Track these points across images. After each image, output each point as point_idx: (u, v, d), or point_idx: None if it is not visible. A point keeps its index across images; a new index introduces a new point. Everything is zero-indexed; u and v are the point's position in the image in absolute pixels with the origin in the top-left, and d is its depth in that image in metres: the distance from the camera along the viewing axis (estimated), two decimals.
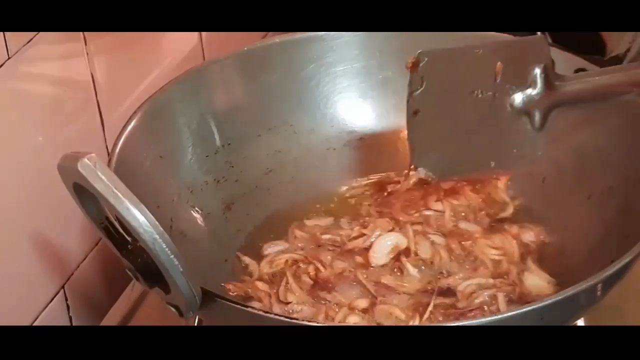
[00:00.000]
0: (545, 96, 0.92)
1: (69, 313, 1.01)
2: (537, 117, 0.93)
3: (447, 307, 0.90)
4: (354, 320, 0.89)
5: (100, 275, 1.06)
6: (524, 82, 0.92)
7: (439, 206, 1.00)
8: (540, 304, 0.75)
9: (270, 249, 0.98)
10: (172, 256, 0.72)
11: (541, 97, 0.92)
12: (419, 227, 0.98)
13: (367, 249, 0.95)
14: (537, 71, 0.91)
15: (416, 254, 0.95)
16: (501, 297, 0.90)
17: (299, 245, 0.98)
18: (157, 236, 0.71)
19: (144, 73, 1.11)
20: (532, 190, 1.01)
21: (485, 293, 0.90)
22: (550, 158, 1.00)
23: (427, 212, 1.00)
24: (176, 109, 0.99)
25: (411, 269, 0.93)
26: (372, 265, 0.94)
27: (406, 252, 0.95)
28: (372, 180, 1.06)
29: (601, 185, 0.94)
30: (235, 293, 0.92)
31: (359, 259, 0.95)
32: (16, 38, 0.89)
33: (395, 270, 0.94)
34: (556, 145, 1.00)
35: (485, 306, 0.89)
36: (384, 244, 0.95)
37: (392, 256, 0.95)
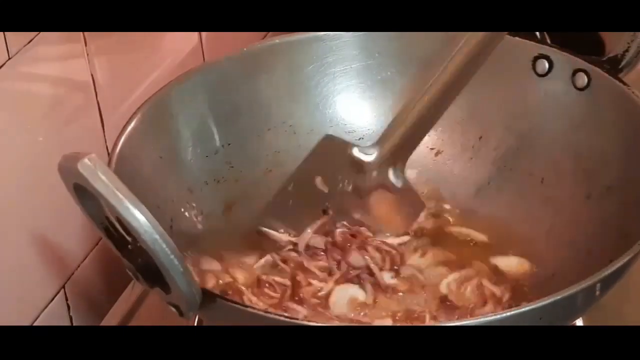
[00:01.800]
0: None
1: (69, 313, 1.01)
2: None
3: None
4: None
5: (100, 275, 1.06)
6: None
7: None
8: (540, 304, 0.75)
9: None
10: (172, 256, 0.72)
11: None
12: None
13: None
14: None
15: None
16: (486, 282, 0.91)
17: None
18: (157, 236, 0.71)
19: (144, 73, 1.11)
20: (532, 190, 1.01)
21: (469, 287, 0.91)
22: (549, 158, 1.00)
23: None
24: (176, 110, 0.99)
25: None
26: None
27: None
28: None
29: (600, 185, 0.94)
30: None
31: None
32: (17, 38, 0.89)
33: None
34: (555, 146, 1.00)
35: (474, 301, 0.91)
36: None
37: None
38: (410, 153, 0.97)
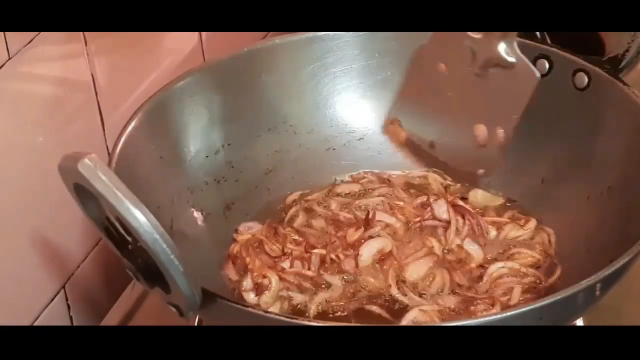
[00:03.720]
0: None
1: (69, 313, 1.01)
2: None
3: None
4: None
5: (100, 275, 1.06)
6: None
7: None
8: (540, 304, 0.75)
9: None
10: (172, 256, 0.72)
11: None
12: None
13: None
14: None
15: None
16: (518, 290, 0.92)
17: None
18: (157, 236, 0.71)
19: (144, 73, 1.11)
20: (532, 190, 1.01)
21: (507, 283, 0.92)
22: (549, 158, 1.00)
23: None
24: (176, 110, 0.99)
25: None
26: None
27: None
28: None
29: (600, 185, 0.94)
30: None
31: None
32: (17, 38, 0.89)
33: None
34: (556, 146, 1.00)
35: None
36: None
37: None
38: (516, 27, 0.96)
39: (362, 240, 0.96)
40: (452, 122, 1.02)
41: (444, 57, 1.00)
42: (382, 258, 0.95)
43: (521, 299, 0.91)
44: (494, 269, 0.94)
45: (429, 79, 1.02)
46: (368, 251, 0.95)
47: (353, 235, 0.96)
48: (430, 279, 0.94)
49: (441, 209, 0.99)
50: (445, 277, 0.93)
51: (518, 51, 0.95)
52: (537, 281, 0.93)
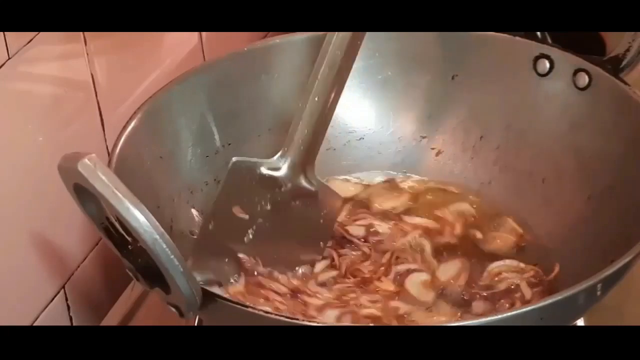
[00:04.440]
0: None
1: (69, 313, 1.01)
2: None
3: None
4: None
5: (100, 275, 1.06)
6: None
7: None
8: (540, 304, 0.75)
9: None
10: (172, 256, 0.72)
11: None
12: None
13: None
14: None
15: None
16: (524, 284, 0.92)
17: None
18: (157, 236, 0.71)
19: (144, 73, 1.11)
20: (532, 190, 1.01)
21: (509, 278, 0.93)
22: (550, 158, 1.00)
23: None
24: (176, 110, 0.99)
25: None
26: None
27: None
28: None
29: (601, 185, 0.94)
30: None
31: None
32: (16, 38, 0.89)
33: None
34: (556, 146, 1.00)
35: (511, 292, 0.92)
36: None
37: None
38: (316, 154, 0.97)
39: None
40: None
41: (239, 199, 0.96)
42: None
43: (534, 290, 0.92)
44: (494, 265, 0.94)
45: (226, 225, 0.95)
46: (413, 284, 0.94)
47: (389, 285, 0.95)
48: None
49: None
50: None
51: (319, 179, 0.97)
52: (537, 277, 0.93)
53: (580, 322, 0.90)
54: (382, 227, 1.00)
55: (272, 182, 0.96)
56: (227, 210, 0.95)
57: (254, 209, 0.96)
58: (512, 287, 0.92)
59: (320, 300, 0.92)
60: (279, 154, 0.96)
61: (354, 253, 0.97)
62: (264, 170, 0.96)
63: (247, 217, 0.95)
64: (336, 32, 0.94)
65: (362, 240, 0.98)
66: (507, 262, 0.95)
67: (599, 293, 0.79)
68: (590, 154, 0.97)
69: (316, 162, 1.05)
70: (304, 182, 0.96)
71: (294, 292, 0.92)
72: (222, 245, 0.94)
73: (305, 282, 0.94)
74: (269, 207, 0.96)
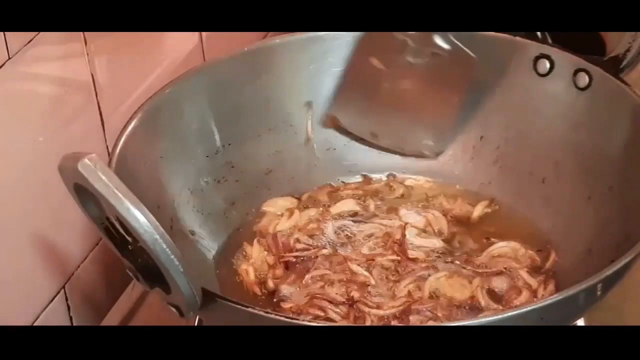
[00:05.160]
0: None
1: (69, 313, 1.01)
2: None
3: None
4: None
5: (100, 276, 1.06)
6: None
7: None
8: (541, 304, 0.75)
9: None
10: (172, 256, 0.72)
11: None
12: None
13: None
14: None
15: None
16: (524, 273, 0.93)
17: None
18: (157, 236, 0.71)
19: (145, 73, 1.11)
20: (532, 190, 1.01)
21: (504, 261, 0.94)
22: (550, 158, 1.00)
23: None
24: (176, 110, 0.99)
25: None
26: None
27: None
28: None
29: (601, 185, 0.94)
30: None
31: None
32: (17, 38, 0.89)
33: None
34: (556, 146, 1.00)
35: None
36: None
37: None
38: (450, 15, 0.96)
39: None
40: (392, 111, 1.03)
41: (377, 51, 1.01)
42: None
43: (538, 279, 0.93)
44: (496, 247, 0.95)
45: (363, 74, 1.02)
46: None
47: (402, 290, 0.94)
48: None
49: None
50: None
51: (453, 38, 0.97)
52: (534, 264, 0.95)
53: (580, 322, 0.90)
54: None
55: (408, 40, 0.98)
56: (364, 60, 1.00)
57: (391, 63, 0.99)
58: (507, 269, 0.93)
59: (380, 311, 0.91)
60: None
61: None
62: (401, 33, 0.98)
63: (383, 67, 1.00)
64: None
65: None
66: (511, 244, 0.96)
67: (599, 293, 0.79)
68: (590, 154, 0.97)
69: (316, 162, 1.05)
70: (438, 42, 0.98)
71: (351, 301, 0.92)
72: (360, 97, 1.00)
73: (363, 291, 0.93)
74: (404, 63, 0.99)
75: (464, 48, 0.98)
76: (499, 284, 0.93)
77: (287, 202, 1.03)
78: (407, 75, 1.00)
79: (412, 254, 0.96)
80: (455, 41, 0.97)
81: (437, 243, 0.97)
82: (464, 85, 0.99)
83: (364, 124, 1.05)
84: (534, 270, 0.94)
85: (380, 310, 0.90)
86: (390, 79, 1.01)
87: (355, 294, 0.91)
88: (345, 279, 0.93)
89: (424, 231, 0.99)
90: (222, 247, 0.98)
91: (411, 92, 1.01)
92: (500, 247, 0.96)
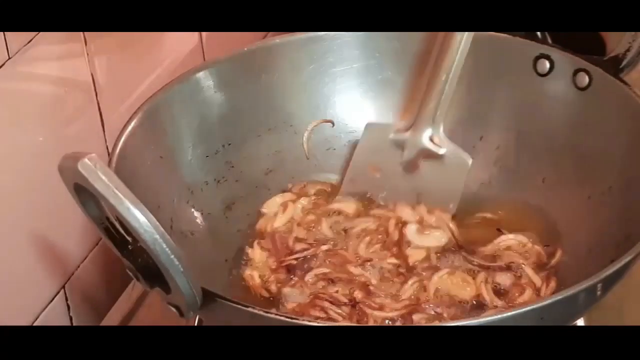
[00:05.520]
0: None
1: (69, 313, 1.01)
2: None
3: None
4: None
5: (100, 275, 1.06)
6: None
7: None
8: (541, 304, 0.75)
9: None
10: (172, 256, 0.72)
11: None
12: None
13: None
14: None
15: None
16: (529, 270, 0.93)
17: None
18: (157, 236, 0.71)
19: (145, 73, 1.11)
20: (532, 190, 1.01)
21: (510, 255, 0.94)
22: (550, 158, 1.00)
23: None
24: (176, 109, 0.99)
25: None
26: None
27: None
28: None
29: (601, 185, 0.94)
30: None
31: None
32: (16, 38, 0.89)
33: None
34: (556, 146, 1.00)
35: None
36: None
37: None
38: (443, 114, 0.99)
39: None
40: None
41: (375, 160, 1.03)
42: None
43: (541, 275, 0.93)
44: (503, 239, 0.96)
45: (365, 185, 1.03)
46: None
47: (407, 291, 0.93)
48: None
49: None
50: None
51: (446, 139, 0.99)
52: (540, 260, 0.95)
53: (580, 322, 0.90)
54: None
55: (401, 144, 1.01)
56: (362, 168, 1.03)
57: (387, 169, 1.01)
58: (512, 264, 0.94)
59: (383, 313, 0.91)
60: (407, 118, 1.01)
61: None
62: (392, 135, 1.01)
63: (379, 175, 1.02)
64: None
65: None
66: (519, 237, 0.96)
67: (599, 293, 0.79)
68: (591, 154, 0.97)
69: (316, 162, 1.05)
70: (431, 144, 0.99)
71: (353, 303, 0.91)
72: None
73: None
74: (400, 167, 1.01)
75: (459, 150, 1.00)
76: (503, 280, 0.93)
77: (281, 198, 1.03)
78: (404, 180, 1.02)
79: (412, 256, 0.95)
80: (450, 142, 0.99)
81: (441, 238, 0.97)
82: (459, 188, 1.00)
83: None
84: (539, 267, 0.94)
85: (382, 312, 0.90)
86: (388, 186, 1.02)
87: (358, 295, 0.91)
88: (346, 279, 0.93)
89: (425, 226, 0.99)
90: (221, 247, 0.98)
91: (409, 191, 1.02)
92: (508, 239, 0.96)
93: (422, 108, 0.99)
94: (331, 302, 0.90)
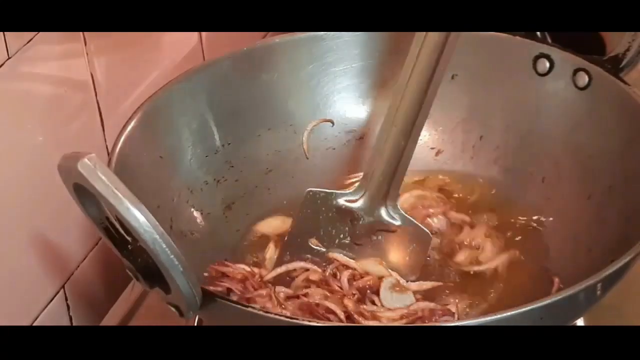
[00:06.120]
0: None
1: (69, 313, 1.01)
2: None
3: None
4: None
5: (100, 275, 1.06)
6: None
7: None
8: (541, 304, 0.75)
9: None
10: (172, 256, 0.72)
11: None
12: None
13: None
14: None
15: None
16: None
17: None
18: (157, 236, 0.71)
19: (144, 73, 1.11)
20: (532, 190, 1.01)
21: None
22: (550, 157, 1.00)
23: None
24: (176, 109, 0.99)
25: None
26: None
27: None
28: None
29: (601, 185, 0.94)
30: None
31: None
32: (16, 38, 0.89)
33: None
34: (556, 145, 1.00)
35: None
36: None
37: None
38: (399, 187, 0.94)
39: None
40: None
41: (315, 231, 0.95)
42: None
43: None
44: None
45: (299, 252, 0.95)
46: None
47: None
48: None
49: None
50: None
51: (403, 213, 0.95)
52: None
53: (580, 322, 0.90)
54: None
55: (350, 215, 0.95)
56: (303, 242, 0.95)
57: (331, 242, 0.95)
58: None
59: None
60: (356, 185, 0.95)
61: None
62: (340, 201, 0.95)
63: (323, 249, 0.95)
64: (416, 56, 0.90)
65: None
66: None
67: (599, 293, 0.79)
68: (590, 154, 0.97)
69: (316, 161, 1.05)
70: (385, 216, 0.95)
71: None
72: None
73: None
74: (347, 240, 0.95)
75: (417, 223, 0.94)
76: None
77: (279, 221, 1.01)
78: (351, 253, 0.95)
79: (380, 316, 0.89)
80: (408, 217, 0.94)
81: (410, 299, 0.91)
82: (419, 263, 0.94)
83: None
84: None
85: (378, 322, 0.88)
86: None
87: (349, 304, 0.88)
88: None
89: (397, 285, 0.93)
90: (221, 247, 0.98)
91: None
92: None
93: (369, 173, 0.94)
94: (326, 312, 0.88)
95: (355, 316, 0.87)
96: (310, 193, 0.96)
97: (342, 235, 0.95)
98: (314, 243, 0.95)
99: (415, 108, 0.92)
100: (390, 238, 0.95)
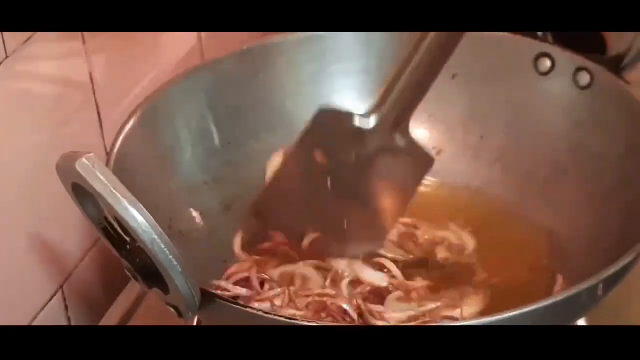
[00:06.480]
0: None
1: (67, 313, 1.01)
2: None
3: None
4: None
5: (99, 275, 1.05)
6: None
7: None
8: (542, 304, 0.75)
9: None
10: (171, 256, 0.72)
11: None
12: None
13: None
14: None
15: None
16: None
17: None
18: (155, 236, 0.71)
19: (143, 72, 1.11)
20: (532, 190, 1.01)
21: None
22: (550, 157, 1.00)
23: None
24: (175, 109, 0.99)
25: None
26: None
27: None
28: None
29: (602, 185, 0.94)
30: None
31: None
32: (14, 37, 0.89)
33: None
34: (556, 145, 1.00)
35: None
36: None
37: None
38: (412, 113, 0.95)
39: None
40: (327, 211, 0.95)
41: (323, 143, 0.95)
42: None
43: None
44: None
45: (302, 167, 0.95)
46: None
47: None
48: None
49: None
50: None
51: (412, 137, 0.95)
52: None
53: (580, 322, 0.90)
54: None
55: (359, 135, 0.94)
56: (308, 153, 0.95)
57: (336, 158, 0.94)
58: None
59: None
60: (370, 107, 0.95)
61: None
62: (351, 120, 0.95)
63: (327, 163, 0.94)
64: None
65: None
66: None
67: (600, 293, 0.79)
68: (592, 153, 0.97)
69: None
70: (394, 138, 0.95)
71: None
72: (294, 193, 0.93)
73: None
74: (352, 159, 0.94)
75: (423, 146, 0.95)
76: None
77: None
78: (352, 173, 0.94)
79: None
80: (414, 139, 0.95)
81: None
82: (415, 185, 0.94)
83: (298, 226, 0.96)
84: None
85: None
86: (334, 176, 0.94)
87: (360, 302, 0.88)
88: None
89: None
90: (221, 247, 0.98)
91: (354, 192, 0.94)
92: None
93: (384, 96, 0.95)
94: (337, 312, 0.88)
95: (367, 315, 0.87)
96: (323, 108, 0.96)
97: (347, 154, 0.95)
98: (319, 156, 0.95)
99: (436, 48, 0.93)
100: (394, 158, 0.96)
